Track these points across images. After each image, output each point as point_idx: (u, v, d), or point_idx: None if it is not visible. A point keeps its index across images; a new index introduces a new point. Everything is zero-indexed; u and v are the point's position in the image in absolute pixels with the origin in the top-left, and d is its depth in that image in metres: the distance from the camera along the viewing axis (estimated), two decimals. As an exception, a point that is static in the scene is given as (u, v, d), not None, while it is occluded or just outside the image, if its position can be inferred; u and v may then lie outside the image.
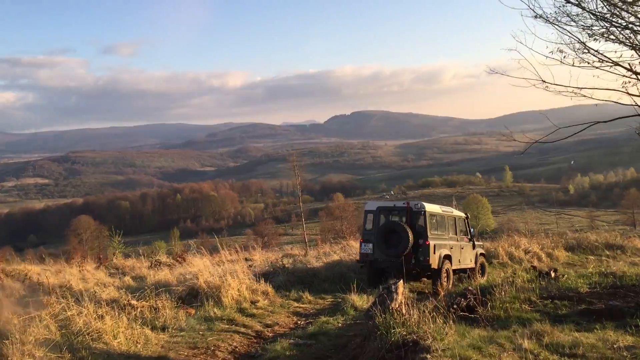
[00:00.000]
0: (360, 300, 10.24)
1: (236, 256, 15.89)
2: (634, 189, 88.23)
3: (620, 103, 8.35)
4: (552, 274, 11.12)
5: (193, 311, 9.34)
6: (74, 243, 63.98)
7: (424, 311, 6.81)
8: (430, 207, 12.81)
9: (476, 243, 14.93)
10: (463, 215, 14.81)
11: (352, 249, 17.77)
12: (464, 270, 14.06)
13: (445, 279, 12.41)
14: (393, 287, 7.56)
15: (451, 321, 6.95)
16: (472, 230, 14.87)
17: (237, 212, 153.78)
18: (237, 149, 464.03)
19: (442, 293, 9.62)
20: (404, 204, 12.83)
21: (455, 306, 8.61)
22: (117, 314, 7.74)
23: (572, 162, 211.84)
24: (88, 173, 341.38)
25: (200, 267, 11.16)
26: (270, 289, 11.05)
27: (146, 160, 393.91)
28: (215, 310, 9.35)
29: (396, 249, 12.12)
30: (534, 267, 12.59)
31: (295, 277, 12.67)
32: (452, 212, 14.13)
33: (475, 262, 14.54)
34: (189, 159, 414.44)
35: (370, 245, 12.70)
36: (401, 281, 7.78)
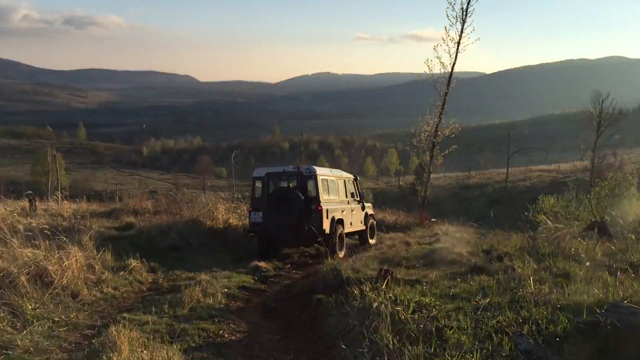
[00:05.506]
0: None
1: None
2: (206, 156, 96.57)
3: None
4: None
5: None
6: None
7: None
8: (321, 171, 12.50)
9: (365, 204, 14.68)
10: (352, 177, 14.53)
11: None
12: (356, 233, 13.88)
13: (339, 244, 12.09)
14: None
15: None
16: (362, 191, 14.71)
17: None
18: None
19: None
20: (294, 168, 12.46)
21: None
22: None
23: (144, 126, 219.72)
24: None
25: None
26: None
27: None
28: None
29: (288, 216, 11.59)
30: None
31: None
32: (342, 175, 13.86)
33: (366, 224, 14.37)
34: None
35: (260, 214, 12.10)
36: None
